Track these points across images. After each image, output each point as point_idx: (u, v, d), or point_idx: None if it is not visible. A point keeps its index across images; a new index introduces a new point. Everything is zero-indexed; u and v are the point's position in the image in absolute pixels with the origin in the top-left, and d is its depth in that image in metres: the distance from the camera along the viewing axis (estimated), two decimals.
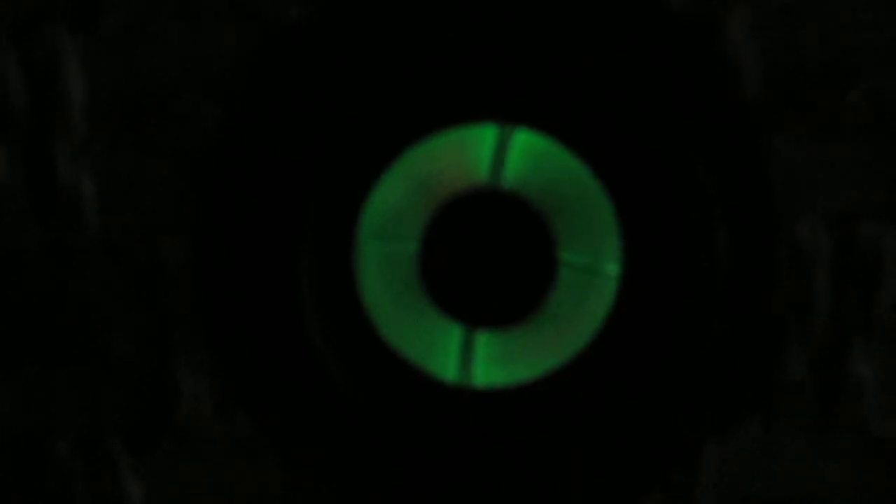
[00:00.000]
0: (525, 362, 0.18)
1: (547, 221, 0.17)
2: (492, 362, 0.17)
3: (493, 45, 0.17)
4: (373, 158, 0.17)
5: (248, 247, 0.16)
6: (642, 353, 0.18)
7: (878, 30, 0.22)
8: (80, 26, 0.20)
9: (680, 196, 0.18)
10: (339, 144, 0.16)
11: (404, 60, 0.17)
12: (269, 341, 0.17)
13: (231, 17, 0.19)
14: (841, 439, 0.22)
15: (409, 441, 0.18)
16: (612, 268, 0.17)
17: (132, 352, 0.20)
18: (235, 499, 0.20)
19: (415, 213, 0.16)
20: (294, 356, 0.17)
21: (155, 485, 0.20)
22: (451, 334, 0.17)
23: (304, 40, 0.17)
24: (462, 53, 0.17)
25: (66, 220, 0.20)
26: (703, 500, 0.21)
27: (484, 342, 0.17)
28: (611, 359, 0.18)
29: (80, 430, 0.20)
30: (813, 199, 0.20)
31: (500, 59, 0.17)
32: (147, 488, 0.20)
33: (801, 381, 0.22)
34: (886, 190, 0.22)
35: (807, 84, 0.21)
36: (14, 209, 0.22)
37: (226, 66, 0.19)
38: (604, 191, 0.17)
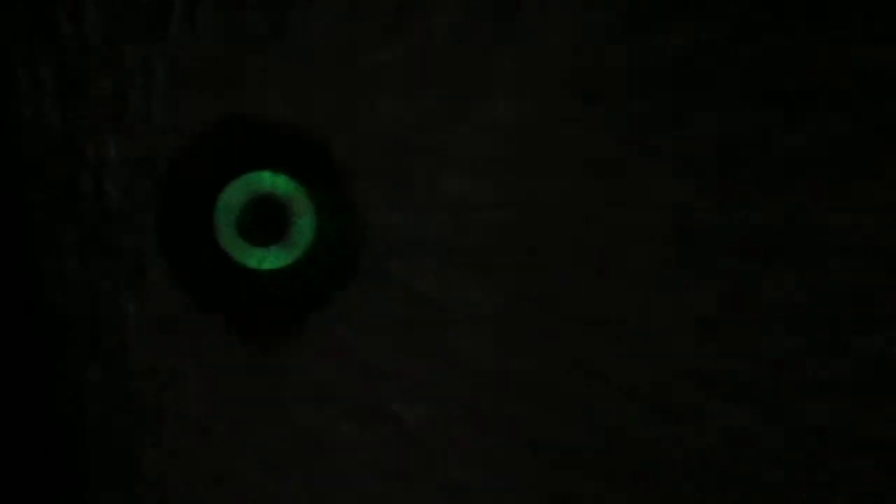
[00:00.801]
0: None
1: (290, 205, 0.32)
2: (270, 261, 0.32)
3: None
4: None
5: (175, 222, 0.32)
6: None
7: None
8: None
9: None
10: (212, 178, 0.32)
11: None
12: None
13: None
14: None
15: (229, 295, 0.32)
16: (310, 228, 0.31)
17: None
18: None
19: (237, 200, 0.32)
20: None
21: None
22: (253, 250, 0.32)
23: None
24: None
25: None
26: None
27: (269, 253, 0.32)
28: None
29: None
30: None
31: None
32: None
33: None
34: None
35: None
36: None
37: None
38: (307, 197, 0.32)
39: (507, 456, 0.33)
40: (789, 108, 0.33)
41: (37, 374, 0.32)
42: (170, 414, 0.33)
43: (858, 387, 0.33)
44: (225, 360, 0.32)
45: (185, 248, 0.32)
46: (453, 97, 0.33)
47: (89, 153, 0.33)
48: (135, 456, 0.32)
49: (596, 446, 0.33)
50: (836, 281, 0.33)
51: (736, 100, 0.33)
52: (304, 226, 0.30)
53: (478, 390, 0.32)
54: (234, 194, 0.31)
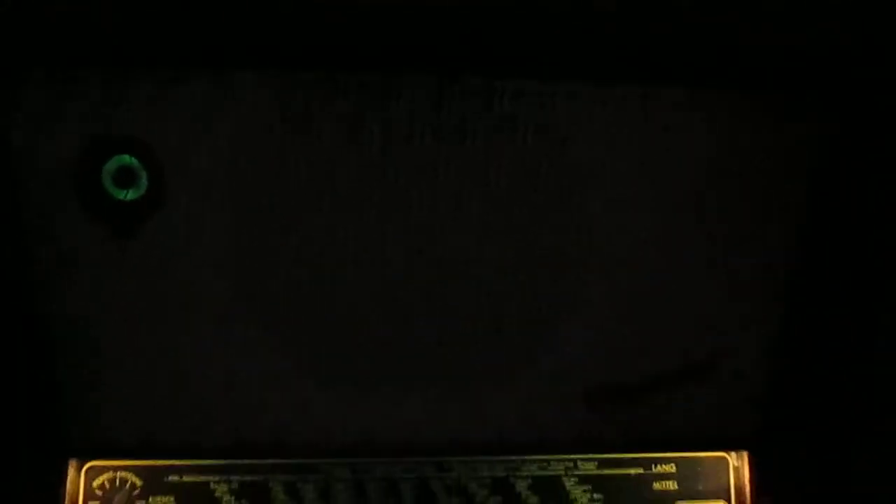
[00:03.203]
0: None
1: (137, 171, 0.63)
2: (129, 195, 0.62)
3: None
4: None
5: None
6: None
7: None
8: None
9: None
10: None
11: None
12: None
13: None
14: None
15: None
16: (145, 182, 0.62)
17: None
18: None
19: (112, 167, 0.63)
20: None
21: None
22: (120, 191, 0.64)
23: None
24: None
25: None
26: None
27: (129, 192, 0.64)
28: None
29: None
30: None
31: None
32: None
33: None
34: None
35: None
36: None
37: None
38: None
39: None
40: None
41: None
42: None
43: None
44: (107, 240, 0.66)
45: (89, 191, 0.65)
46: None
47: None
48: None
49: None
50: None
51: None
52: (143, 180, 0.65)
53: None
54: (111, 165, 0.65)
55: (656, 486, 0.72)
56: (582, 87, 0.59)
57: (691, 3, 0.54)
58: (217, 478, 0.67)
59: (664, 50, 0.57)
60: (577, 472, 0.70)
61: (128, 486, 0.67)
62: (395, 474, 0.68)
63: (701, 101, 0.60)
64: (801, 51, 0.57)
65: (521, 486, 0.69)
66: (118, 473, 0.67)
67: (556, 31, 0.54)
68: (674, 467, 0.71)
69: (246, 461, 0.67)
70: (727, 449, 0.73)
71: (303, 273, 0.61)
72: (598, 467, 0.70)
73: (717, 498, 0.72)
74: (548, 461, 0.69)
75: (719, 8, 0.52)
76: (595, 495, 0.70)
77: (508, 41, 0.56)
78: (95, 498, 0.67)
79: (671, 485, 0.72)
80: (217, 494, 0.67)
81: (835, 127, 0.63)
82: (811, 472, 0.71)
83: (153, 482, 0.67)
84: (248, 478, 0.67)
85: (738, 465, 0.73)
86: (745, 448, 0.73)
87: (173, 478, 0.67)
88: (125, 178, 0.59)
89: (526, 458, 0.68)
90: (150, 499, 0.67)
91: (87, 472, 0.67)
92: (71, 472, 0.67)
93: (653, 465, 0.71)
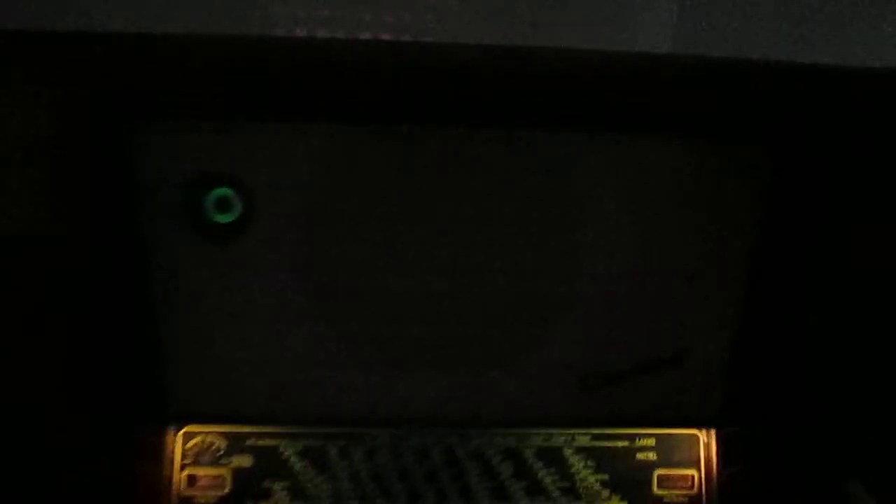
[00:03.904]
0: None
1: (232, 198, 0.81)
2: (225, 218, 0.82)
3: None
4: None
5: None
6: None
7: None
8: None
9: None
10: None
11: None
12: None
13: None
14: None
15: None
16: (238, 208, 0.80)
17: None
18: None
19: (214, 196, 0.82)
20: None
21: None
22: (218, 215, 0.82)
23: None
24: None
25: None
26: None
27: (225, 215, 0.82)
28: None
29: None
30: None
31: None
32: None
33: None
34: None
35: None
36: None
37: None
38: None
39: None
40: None
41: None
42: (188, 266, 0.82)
43: None
44: (206, 252, 0.84)
45: (194, 216, 0.84)
46: None
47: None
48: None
49: None
50: None
51: None
52: (237, 206, 0.84)
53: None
54: (214, 195, 0.84)
55: (639, 456, 0.86)
56: (579, 135, 0.77)
57: (667, 70, 0.71)
58: (286, 442, 0.85)
59: (645, 105, 0.74)
60: (574, 444, 0.86)
61: (214, 447, 0.85)
62: (427, 441, 0.85)
63: (677, 142, 0.76)
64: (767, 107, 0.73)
65: (528, 454, 0.86)
66: (207, 437, 0.85)
67: (564, 92, 0.72)
68: (654, 441, 0.86)
69: (308, 429, 0.84)
70: (698, 427, 0.87)
71: (357, 282, 0.79)
72: (592, 440, 0.86)
73: (690, 467, 0.86)
74: (550, 434, 0.86)
75: (695, 75, 0.69)
76: (589, 462, 0.86)
77: (522, 100, 0.74)
78: (188, 458, 0.85)
79: (651, 455, 0.86)
80: (285, 456, 0.85)
81: (787, 172, 0.79)
82: (770, 446, 0.84)
83: (235, 445, 0.85)
84: (310, 442, 0.85)
85: (707, 441, 0.86)
86: (713, 426, 0.86)
87: (251, 441, 0.85)
88: (223, 204, 0.78)
89: (532, 431, 0.85)
90: (233, 457, 0.85)
91: (182, 435, 0.85)
92: (170, 435, 0.85)
93: (636, 439, 0.86)
